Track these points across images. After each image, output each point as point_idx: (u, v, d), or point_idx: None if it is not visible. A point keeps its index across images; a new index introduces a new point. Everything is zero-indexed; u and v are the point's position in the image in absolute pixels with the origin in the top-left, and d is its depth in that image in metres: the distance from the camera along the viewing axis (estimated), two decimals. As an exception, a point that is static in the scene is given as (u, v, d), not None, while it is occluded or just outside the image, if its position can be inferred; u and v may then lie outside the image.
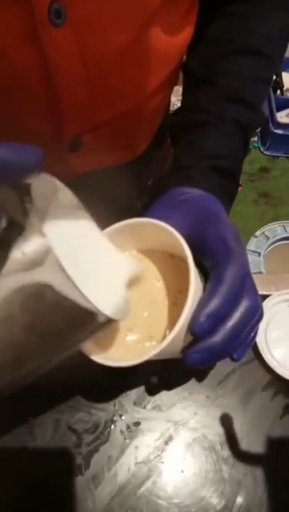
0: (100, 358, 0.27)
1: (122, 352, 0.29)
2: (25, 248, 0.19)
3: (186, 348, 0.27)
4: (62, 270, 0.19)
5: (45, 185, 0.23)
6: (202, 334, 0.25)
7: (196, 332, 0.25)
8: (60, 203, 0.25)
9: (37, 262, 0.19)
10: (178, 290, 0.30)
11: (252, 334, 0.29)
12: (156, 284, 0.31)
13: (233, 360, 0.29)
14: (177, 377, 0.41)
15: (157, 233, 0.29)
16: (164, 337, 0.28)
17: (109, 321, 0.23)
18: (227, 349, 0.27)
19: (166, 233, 0.28)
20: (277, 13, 0.39)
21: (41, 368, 0.22)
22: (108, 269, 0.27)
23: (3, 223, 0.19)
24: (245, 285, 0.27)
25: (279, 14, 0.39)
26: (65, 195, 0.25)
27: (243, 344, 0.28)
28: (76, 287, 0.20)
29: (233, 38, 0.38)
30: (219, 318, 0.26)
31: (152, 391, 0.40)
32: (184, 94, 0.42)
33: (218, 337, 0.26)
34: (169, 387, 0.40)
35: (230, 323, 0.26)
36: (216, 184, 0.34)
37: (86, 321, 0.21)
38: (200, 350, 0.26)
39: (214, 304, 0.25)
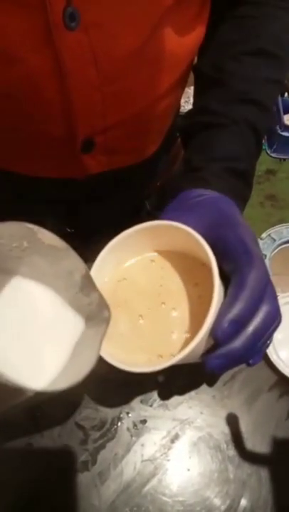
0: (121, 363, 0.26)
1: (141, 355, 0.29)
2: None
3: (206, 353, 0.27)
4: None
5: (18, 231, 0.23)
6: (225, 340, 0.25)
7: (219, 337, 0.25)
8: (43, 243, 0.24)
9: None
10: (198, 295, 0.30)
11: (269, 340, 0.29)
12: (175, 286, 0.31)
13: (249, 365, 0.29)
14: (184, 377, 0.41)
15: (179, 237, 0.29)
16: (185, 340, 0.28)
17: (38, 396, 0.21)
18: (247, 354, 0.27)
19: (189, 238, 0.28)
20: (285, 14, 0.39)
21: None
22: (57, 332, 0.26)
23: None
24: (266, 290, 0.27)
25: (288, 15, 0.39)
26: (45, 236, 0.24)
27: (261, 349, 0.28)
28: None
29: (243, 40, 0.38)
30: (241, 323, 0.26)
31: (163, 395, 0.40)
32: (195, 95, 0.42)
33: (238, 342, 0.26)
34: (176, 386, 0.41)
35: (251, 328, 0.26)
36: (230, 186, 0.34)
37: (11, 396, 0.20)
38: (221, 355, 0.26)
39: (237, 309, 0.25)
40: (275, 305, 0.28)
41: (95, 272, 0.30)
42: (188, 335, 0.29)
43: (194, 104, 0.41)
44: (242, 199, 0.35)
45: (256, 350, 0.28)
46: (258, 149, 0.38)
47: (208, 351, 0.27)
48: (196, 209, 0.31)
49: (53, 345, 0.25)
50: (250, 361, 0.29)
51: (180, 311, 0.30)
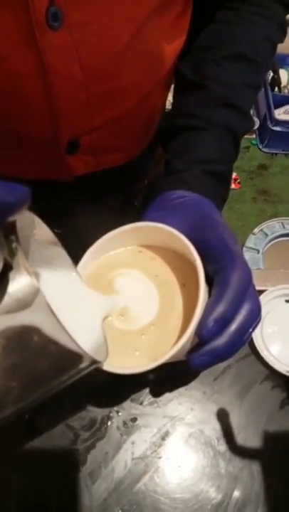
0: (109, 366, 0.27)
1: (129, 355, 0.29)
2: (12, 289, 0.18)
3: (191, 351, 0.27)
4: (51, 313, 0.18)
5: (23, 221, 0.23)
6: (210, 338, 0.26)
7: (204, 336, 0.26)
8: (35, 239, 0.25)
9: (23, 303, 0.18)
10: (186, 293, 0.30)
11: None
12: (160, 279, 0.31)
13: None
14: (174, 374, 0.41)
15: (165, 239, 0.30)
16: (171, 329, 0.28)
17: (91, 365, 0.22)
18: (229, 351, 0.28)
19: (176, 241, 0.29)
20: (262, 21, 0.40)
21: (18, 411, 0.21)
22: (86, 309, 0.27)
23: (1, 264, 0.18)
24: (248, 289, 0.28)
25: (264, 22, 0.40)
26: (42, 231, 0.25)
27: (242, 346, 0.29)
28: (65, 331, 0.19)
29: (221, 44, 0.39)
30: (225, 322, 0.27)
31: (154, 392, 0.40)
32: (174, 97, 0.42)
33: (222, 340, 0.27)
34: (166, 383, 0.41)
35: (234, 326, 0.27)
36: (210, 188, 0.35)
37: (71, 365, 0.21)
38: (205, 353, 0.27)
39: (221, 308, 0.26)
40: (257, 303, 0.29)
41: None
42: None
43: (174, 105, 0.41)
44: (220, 200, 0.36)
45: (240, 346, 0.28)
46: (236, 152, 0.39)
47: (192, 349, 0.28)
48: (177, 211, 0.32)
49: (84, 324, 0.27)
50: None
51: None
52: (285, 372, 0.42)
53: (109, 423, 0.38)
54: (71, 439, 0.38)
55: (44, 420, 0.38)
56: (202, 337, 0.26)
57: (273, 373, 0.42)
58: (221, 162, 0.36)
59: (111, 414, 0.39)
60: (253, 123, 0.40)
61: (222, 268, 0.27)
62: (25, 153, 0.41)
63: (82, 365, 0.21)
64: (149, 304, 0.30)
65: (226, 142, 0.37)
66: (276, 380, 0.42)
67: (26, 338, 0.19)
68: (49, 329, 0.19)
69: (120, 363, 0.28)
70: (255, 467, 0.38)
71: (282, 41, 0.42)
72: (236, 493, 0.37)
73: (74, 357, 0.20)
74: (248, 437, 0.39)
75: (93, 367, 0.23)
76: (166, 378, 0.40)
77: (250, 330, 0.28)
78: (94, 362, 0.22)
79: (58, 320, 0.19)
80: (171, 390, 0.41)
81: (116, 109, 0.39)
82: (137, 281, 0.31)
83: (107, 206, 0.55)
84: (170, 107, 0.43)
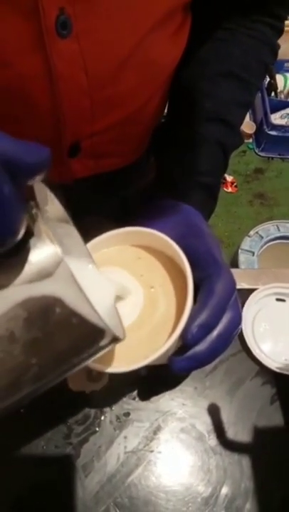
0: (94, 363, 0.27)
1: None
2: (34, 257, 0.17)
3: (173, 355, 0.28)
4: (75, 283, 0.17)
5: (38, 193, 0.21)
6: (194, 343, 0.27)
7: (189, 341, 0.27)
8: (47, 216, 0.23)
9: (45, 272, 0.17)
10: (167, 286, 0.31)
11: None
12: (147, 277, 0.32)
13: None
14: (166, 370, 0.42)
15: (157, 243, 0.31)
16: (151, 331, 0.29)
17: (112, 342, 0.21)
18: (211, 357, 0.29)
19: (167, 246, 0.30)
20: (256, 44, 0.42)
21: (35, 393, 0.20)
22: (99, 289, 0.26)
23: (23, 230, 0.16)
24: (232, 298, 0.29)
25: (258, 44, 0.42)
26: (54, 207, 0.24)
27: (222, 352, 0.30)
28: (88, 301, 0.18)
29: (216, 62, 0.41)
30: (209, 329, 0.28)
31: (143, 396, 0.41)
32: (169, 108, 0.44)
33: (203, 346, 0.28)
34: (158, 379, 0.41)
35: (216, 333, 0.28)
36: (199, 199, 0.36)
37: (92, 341, 0.20)
38: (187, 358, 0.28)
39: (205, 315, 0.27)
40: (238, 313, 0.30)
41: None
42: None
43: (167, 114, 0.43)
44: (208, 211, 0.38)
45: (221, 352, 0.29)
46: (225, 166, 0.41)
47: (173, 353, 0.29)
48: (168, 218, 0.34)
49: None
50: None
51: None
52: (275, 369, 0.42)
53: (102, 417, 0.39)
54: (65, 433, 0.38)
55: (38, 414, 0.39)
56: (186, 341, 0.27)
57: (264, 370, 0.43)
58: (211, 175, 0.38)
59: (104, 409, 0.40)
60: (241, 140, 0.42)
61: (208, 276, 0.29)
62: None
63: (103, 343, 0.20)
64: (132, 303, 0.31)
65: (217, 156, 0.39)
66: (266, 377, 0.43)
67: (48, 310, 0.17)
68: (71, 300, 0.17)
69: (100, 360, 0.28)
70: (245, 461, 0.38)
71: (273, 63, 0.44)
72: (226, 487, 0.37)
73: (96, 332, 0.19)
74: (238, 432, 0.40)
75: (112, 345, 0.21)
76: (154, 382, 0.41)
77: (231, 338, 0.29)
78: (114, 338, 0.20)
79: (81, 290, 0.17)
80: (157, 393, 0.41)
81: (117, 115, 0.40)
82: (121, 278, 0.32)
83: (103, 208, 0.55)
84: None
